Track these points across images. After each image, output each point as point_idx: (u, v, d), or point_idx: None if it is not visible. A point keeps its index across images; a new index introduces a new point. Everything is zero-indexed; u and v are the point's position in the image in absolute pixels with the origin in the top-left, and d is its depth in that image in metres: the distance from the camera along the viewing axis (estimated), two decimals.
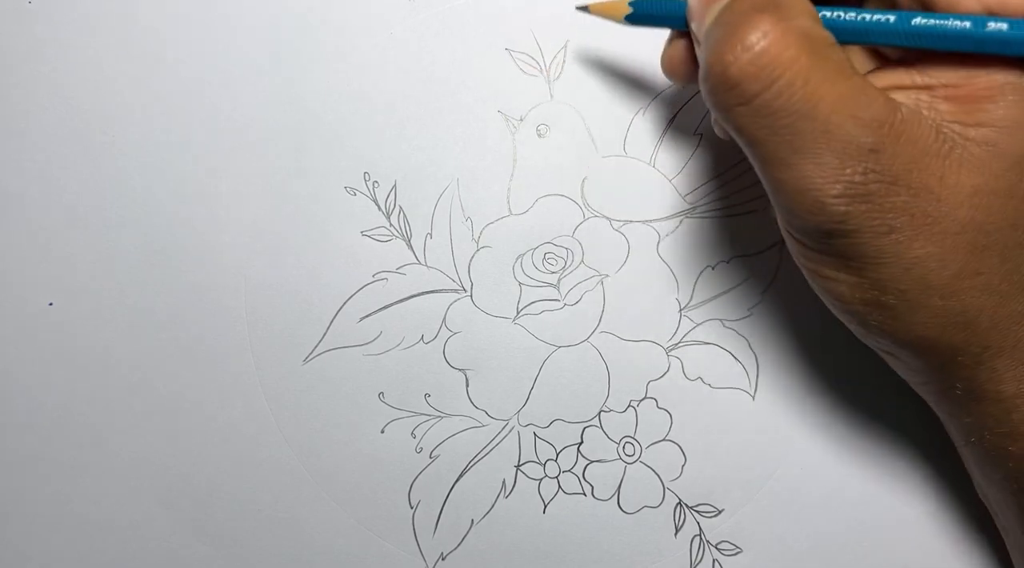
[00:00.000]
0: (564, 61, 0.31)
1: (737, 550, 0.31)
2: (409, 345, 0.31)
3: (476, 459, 0.31)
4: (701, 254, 0.31)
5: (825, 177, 0.21)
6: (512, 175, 0.31)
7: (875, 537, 0.31)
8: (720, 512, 0.31)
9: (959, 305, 0.22)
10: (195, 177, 0.31)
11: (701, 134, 0.31)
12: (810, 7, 0.21)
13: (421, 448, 0.31)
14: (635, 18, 0.26)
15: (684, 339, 0.31)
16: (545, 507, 0.31)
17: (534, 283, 0.31)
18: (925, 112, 0.21)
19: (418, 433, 0.31)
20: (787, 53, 0.20)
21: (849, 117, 0.20)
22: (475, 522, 0.31)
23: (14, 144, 0.31)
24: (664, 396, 0.31)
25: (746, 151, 0.22)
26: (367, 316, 0.31)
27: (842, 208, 0.21)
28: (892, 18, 0.22)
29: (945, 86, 0.21)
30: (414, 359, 0.31)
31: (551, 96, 0.31)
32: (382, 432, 0.31)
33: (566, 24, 0.31)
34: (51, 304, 0.32)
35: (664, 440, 0.31)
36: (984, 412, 0.24)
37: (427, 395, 0.31)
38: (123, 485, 0.32)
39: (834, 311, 0.25)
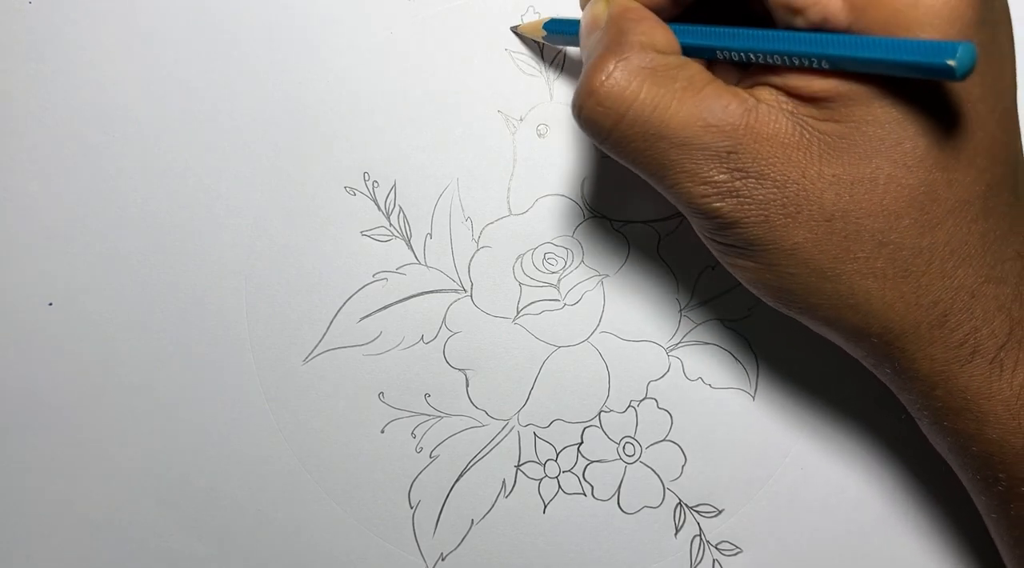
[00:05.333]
0: (564, 61, 0.31)
1: (737, 550, 0.31)
2: (409, 345, 0.31)
3: (476, 459, 0.31)
4: (701, 254, 0.31)
5: (693, 182, 0.23)
6: (512, 175, 0.31)
7: (874, 537, 0.31)
8: (720, 512, 0.31)
9: (846, 288, 0.23)
10: (195, 177, 0.31)
11: None
12: (657, 34, 0.23)
13: (421, 448, 0.31)
14: (551, 38, 0.30)
15: (684, 339, 0.31)
16: (545, 507, 0.31)
17: (534, 283, 0.31)
18: (790, 109, 0.22)
19: (418, 433, 0.31)
20: (630, 87, 0.22)
21: (701, 128, 0.22)
22: (475, 522, 0.31)
23: (14, 144, 0.31)
24: (664, 396, 0.31)
25: (635, 171, 0.24)
26: (367, 316, 0.31)
27: (715, 204, 0.23)
28: (738, 36, 0.23)
29: (795, 86, 0.22)
30: (414, 359, 0.31)
31: (551, 96, 0.31)
32: (382, 432, 0.31)
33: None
34: (51, 304, 0.32)
35: (664, 440, 0.31)
36: (913, 389, 0.25)
37: (427, 395, 0.31)
38: (123, 485, 0.32)
39: (760, 297, 0.26)
